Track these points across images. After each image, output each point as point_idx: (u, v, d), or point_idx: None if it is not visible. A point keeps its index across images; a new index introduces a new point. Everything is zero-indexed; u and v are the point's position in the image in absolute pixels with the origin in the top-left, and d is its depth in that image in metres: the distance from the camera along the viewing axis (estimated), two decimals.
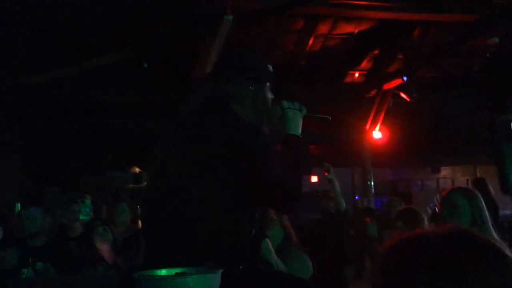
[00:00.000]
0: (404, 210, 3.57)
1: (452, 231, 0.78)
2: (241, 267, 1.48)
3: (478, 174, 11.82)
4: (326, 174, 4.56)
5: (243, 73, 1.68)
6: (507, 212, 9.96)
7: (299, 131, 1.72)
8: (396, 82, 8.48)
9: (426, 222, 3.22)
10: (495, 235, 2.47)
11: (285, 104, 1.73)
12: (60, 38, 6.45)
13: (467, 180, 11.08)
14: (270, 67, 1.76)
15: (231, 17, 5.81)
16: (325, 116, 1.88)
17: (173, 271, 1.39)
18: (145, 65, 6.75)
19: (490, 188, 7.80)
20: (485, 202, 2.62)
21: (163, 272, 1.41)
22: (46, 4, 5.88)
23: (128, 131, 7.53)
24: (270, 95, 1.75)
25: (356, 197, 11.32)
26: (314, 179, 11.49)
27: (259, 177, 1.53)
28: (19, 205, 6.08)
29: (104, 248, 3.14)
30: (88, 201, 3.72)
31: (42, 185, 7.59)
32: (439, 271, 0.72)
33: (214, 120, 1.61)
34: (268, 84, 1.72)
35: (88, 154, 7.44)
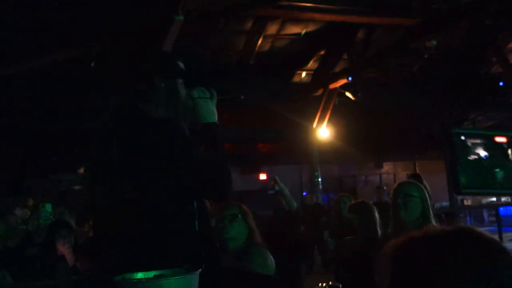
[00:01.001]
0: (355, 204, 3.74)
1: (458, 230, 0.81)
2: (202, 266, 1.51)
3: (417, 169, 12.46)
4: (273, 183, 4.69)
5: (153, 71, 1.73)
6: (444, 203, 10.61)
7: (214, 117, 1.72)
8: (342, 81, 8.77)
9: (376, 214, 3.39)
10: (435, 223, 2.69)
11: (195, 93, 1.73)
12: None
13: (407, 174, 11.65)
14: (181, 64, 1.80)
15: (181, 17, 5.80)
16: (237, 95, 1.82)
17: (150, 273, 1.42)
18: (92, 65, 6.60)
19: (425, 182, 8.30)
20: None
21: (139, 275, 1.44)
22: None
23: (76, 131, 7.33)
24: (183, 91, 1.78)
25: (304, 193, 11.61)
26: (263, 176, 11.67)
27: (177, 168, 1.56)
28: None
29: (65, 249, 3.08)
30: (48, 206, 3.62)
31: None
32: (452, 269, 0.75)
33: (121, 121, 1.66)
34: (180, 80, 1.76)
35: (33, 156, 7.18)
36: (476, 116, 10.09)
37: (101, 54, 6.68)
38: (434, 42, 6.91)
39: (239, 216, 2.68)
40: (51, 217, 3.59)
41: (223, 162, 1.62)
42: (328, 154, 9.92)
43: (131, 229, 1.58)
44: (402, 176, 11.92)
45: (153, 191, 1.58)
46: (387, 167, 12.39)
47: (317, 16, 7.01)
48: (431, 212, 2.64)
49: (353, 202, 4.07)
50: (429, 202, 2.68)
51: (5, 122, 7.47)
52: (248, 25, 7.84)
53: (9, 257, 3.05)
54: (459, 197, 11.06)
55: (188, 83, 1.78)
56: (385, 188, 10.75)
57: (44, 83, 7.25)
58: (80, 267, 3.02)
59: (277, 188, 4.79)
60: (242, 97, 1.82)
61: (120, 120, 1.67)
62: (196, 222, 1.58)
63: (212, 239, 1.72)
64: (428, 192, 2.75)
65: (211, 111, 1.73)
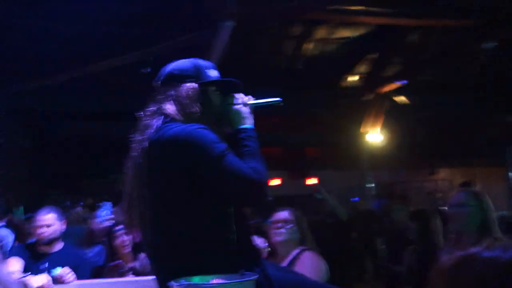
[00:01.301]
0: (416, 212, 3.65)
1: None
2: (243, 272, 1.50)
3: (476, 176, 11.95)
4: (315, 190, 4.67)
5: (184, 79, 1.71)
6: (504, 212, 10.10)
7: (248, 122, 1.69)
8: (394, 85, 8.57)
9: (438, 222, 3.28)
10: (500, 234, 2.55)
11: (228, 100, 1.72)
12: (60, 43, 6.48)
13: (465, 182, 11.19)
14: (213, 72, 1.77)
15: (232, 23, 5.87)
16: (277, 101, 1.78)
17: (207, 278, 1.43)
18: (148, 70, 6.78)
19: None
20: None
21: (196, 279, 1.45)
22: (46, 8, 5.90)
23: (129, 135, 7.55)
24: (216, 99, 1.74)
25: (355, 199, 11.40)
26: (311, 181, 11.56)
27: (210, 174, 1.54)
28: (22, 209, 6.08)
29: (125, 251, 3.17)
30: (109, 205, 3.75)
31: (45, 189, 7.60)
32: None
33: (157, 131, 1.63)
34: (212, 88, 1.73)
35: (90, 158, 7.46)
36: None
37: (156, 60, 6.87)
38: (491, 44, 6.61)
39: (292, 220, 2.68)
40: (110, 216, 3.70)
41: (258, 168, 1.58)
42: (379, 159, 9.70)
43: (175, 235, 1.59)
44: (459, 183, 11.45)
45: (187, 202, 1.58)
46: (443, 173, 11.95)
47: (368, 19, 6.89)
48: (493, 223, 2.51)
49: (413, 210, 3.99)
50: (490, 212, 2.55)
51: (67, 125, 7.85)
52: (298, 29, 7.81)
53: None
54: None
55: (223, 90, 1.76)
56: (440, 195, 10.39)
57: (101, 87, 7.54)
58: (139, 268, 3.10)
59: (319, 196, 4.76)
60: (282, 103, 1.80)
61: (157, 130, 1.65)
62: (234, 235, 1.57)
63: (251, 245, 1.70)
64: (487, 202, 2.61)
65: (243, 116, 1.71)
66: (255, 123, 1.74)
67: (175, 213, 1.59)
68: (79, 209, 5.96)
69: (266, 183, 1.57)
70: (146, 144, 1.62)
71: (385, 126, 9.20)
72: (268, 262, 1.77)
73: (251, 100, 1.77)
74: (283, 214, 2.74)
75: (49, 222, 3.17)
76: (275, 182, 11.04)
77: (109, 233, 3.43)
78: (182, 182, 1.56)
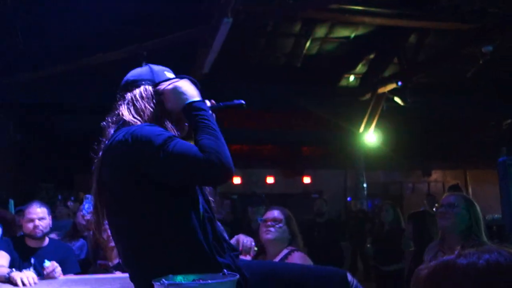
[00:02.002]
0: (413, 213, 3.68)
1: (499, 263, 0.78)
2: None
3: (468, 178, 12.01)
4: None
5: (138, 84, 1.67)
6: (496, 215, 10.15)
7: (194, 96, 1.59)
8: (391, 86, 8.58)
9: (433, 224, 3.31)
10: (485, 239, 2.58)
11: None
12: (58, 36, 6.46)
13: (458, 183, 11.24)
14: (170, 74, 1.72)
15: (230, 20, 5.85)
16: (240, 103, 1.69)
17: (189, 277, 1.44)
18: (144, 65, 6.76)
19: (465, 193, 8.06)
20: None
21: (179, 278, 1.46)
22: (43, 2, 5.88)
23: None
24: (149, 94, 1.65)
25: (348, 199, 11.44)
26: (306, 180, 11.59)
27: (157, 164, 1.47)
28: (12, 201, 6.05)
29: (109, 245, 3.15)
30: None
31: (36, 182, 7.58)
32: None
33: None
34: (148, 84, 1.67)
35: (82, 152, 7.44)
36: None
37: (152, 55, 6.86)
38: (490, 48, 6.63)
39: (282, 220, 2.69)
40: None
41: (214, 142, 1.48)
42: (374, 159, 9.73)
43: (138, 237, 1.56)
44: (456, 183, 11.52)
45: (148, 202, 1.54)
46: (435, 175, 12.01)
47: (367, 19, 6.89)
48: (479, 229, 2.54)
49: (413, 211, 4.03)
50: (477, 219, 2.58)
51: (59, 121, 7.82)
52: (297, 27, 7.81)
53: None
54: None
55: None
56: (433, 196, 10.42)
57: (96, 81, 7.52)
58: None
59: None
60: (244, 106, 1.74)
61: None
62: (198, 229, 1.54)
63: (219, 237, 1.67)
64: (475, 207, 2.64)
65: (181, 92, 1.61)
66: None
67: (134, 215, 1.55)
68: (70, 203, 5.95)
69: (220, 159, 1.43)
70: (100, 154, 1.61)
71: (380, 126, 9.22)
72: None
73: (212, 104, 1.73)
74: (274, 213, 2.75)
75: (43, 215, 3.14)
76: (270, 180, 11.08)
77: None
78: (134, 182, 1.52)
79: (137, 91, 1.66)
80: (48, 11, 5.94)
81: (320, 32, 7.98)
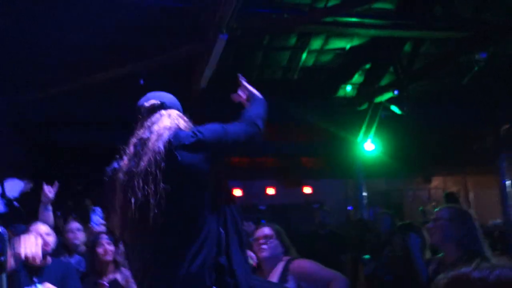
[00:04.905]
0: (402, 225, 3.70)
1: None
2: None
3: (468, 184, 12.01)
4: None
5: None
6: (498, 221, 10.14)
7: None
8: (388, 95, 8.64)
9: (424, 235, 3.32)
10: (484, 247, 2.57)
11: None
12: (58, 54, 6.53)
13: (458, 191, 11.25)
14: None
15: (226, 35, 5.92)
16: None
17: None
18: (142, 82, 6.84)
19: (461, 201, 8.11)
20: None
21: None
22: (44, 20, 5.95)
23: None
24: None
25: (349, 208, 11.45)
26: (307, 190, 11.61)
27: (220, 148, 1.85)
28: None
29: (105, 258, 3.17)
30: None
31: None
32: None
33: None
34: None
35: (91, 168, 7.48)
36: None
37: (149, 71, 6.93)
38: (485, 55, 6.69)
39: (273, 235, 2.73)
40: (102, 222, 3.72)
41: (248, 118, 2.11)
42: (374, 168, 9.76)
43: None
44: (453, 191, 11.52)
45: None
46: (436, 181, 12.02)
47: (362, 31, 6.96)
48: (475, 240, 2.55)
49: (400, 224, 4.05)
50: (470, 225, 2.57)
51: (61, 134, 7.86)
52: (292, 40, 7.89)
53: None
54: None
55: None
56: (434, 204, 10.43)
57: (95, 98, 7.60)
58: (121, 281, 3.13)
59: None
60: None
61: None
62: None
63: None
64: (467, 214, 2.64)
65: None
66: None
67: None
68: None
69: (259, 124, 2.07)
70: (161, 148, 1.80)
71: (379, 135, 9.26)
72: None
73: None
74: (264, 231, 2.79)
75: (48, 231, 3.16)
76: (271, 191, 11.10)
77: (94, 240, 3.45)
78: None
79: (175, 112, 2.05)
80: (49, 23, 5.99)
81: (316, 44, 8.06)
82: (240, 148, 1.93)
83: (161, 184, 1.66)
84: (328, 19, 6.47)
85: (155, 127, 1.86)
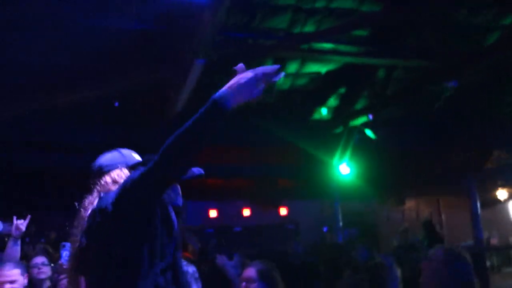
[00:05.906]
0: (370, 265, 3.70)
1: None
2: None
3: (441, 205, 12.23)
4: None
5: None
6: (469, 242, 10.32)
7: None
8: (362, 119, 8.76)
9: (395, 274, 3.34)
10: None
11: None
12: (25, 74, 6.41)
13: (430, 212, 11.45)
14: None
15: (202, 61, 5.95)
16: (199, 174, 1.99)
17: None
18: (116, 104, 6.79)
19: (437, 226, 8.28)
20: (433, 238, 2.78)
21: None
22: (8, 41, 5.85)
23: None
24: None
25: (324, 229, 11.51)
26: (283, 211, 11.62)
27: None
28: None
29: None
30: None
31: None
32: None
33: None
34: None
35: (49, 190, 7.32)
36: (500, 154, 9.92)
37: (123, 94, 6.86)
38: (455, 84, 6.89)
39: (256, 280, 2.70)
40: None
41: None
42: (349, 190, 9.86)
43: None
44: (425, 213, 11.71)
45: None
46: (409, 203, 12.20)
47: (337, 58, 7.09)
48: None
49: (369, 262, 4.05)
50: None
51: (22, 156, 7.67)
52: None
53: None
54: (485, 236, 10.75)
55: None
56: (406, 225, 10.55)
57: (65, 119, 7.45)
58: None
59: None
60: (203, 175, 1.96)
61: None
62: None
63: None
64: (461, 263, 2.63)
65: None
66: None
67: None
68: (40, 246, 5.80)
69: (166, 165, 1.69)
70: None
71: (354, 158, 9.37)
72: None
73: None
74: (249, 272, 2.75)
75: (13, 278, 3.04)
76: (247, 212, 11.07)
77: (55, 278, 3.35)
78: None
79: (114, 173, 1.96)
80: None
81: (292, 68, 8.14)
82: (161, 187, 1.73)
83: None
84: (304, 46, 6.57)
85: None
